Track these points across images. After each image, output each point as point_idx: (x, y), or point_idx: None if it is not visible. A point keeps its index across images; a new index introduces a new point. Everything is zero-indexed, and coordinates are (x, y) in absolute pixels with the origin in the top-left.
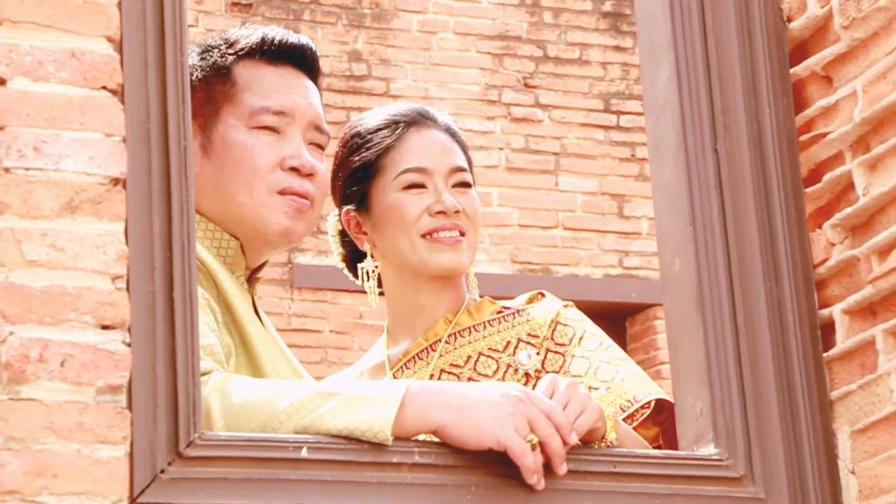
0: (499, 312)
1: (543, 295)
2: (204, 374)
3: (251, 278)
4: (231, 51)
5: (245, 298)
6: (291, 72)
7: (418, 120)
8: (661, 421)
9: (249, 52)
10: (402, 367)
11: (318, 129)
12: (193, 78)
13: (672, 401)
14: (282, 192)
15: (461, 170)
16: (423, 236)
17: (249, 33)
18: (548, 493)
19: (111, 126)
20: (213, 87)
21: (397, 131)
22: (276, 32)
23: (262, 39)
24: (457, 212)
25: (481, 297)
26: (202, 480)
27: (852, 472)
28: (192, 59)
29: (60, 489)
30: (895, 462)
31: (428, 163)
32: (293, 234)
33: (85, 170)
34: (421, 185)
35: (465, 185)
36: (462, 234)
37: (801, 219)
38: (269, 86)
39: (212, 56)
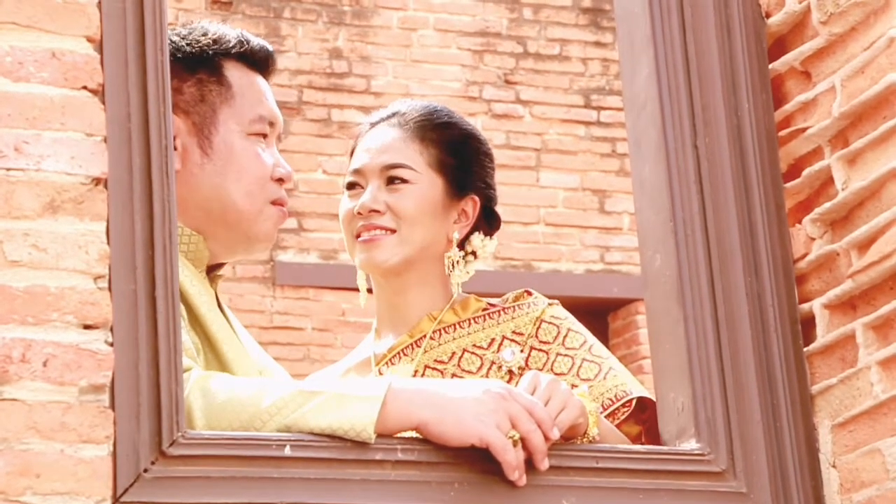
0: (484, 310)
1: (529, 293)
2: (184, 371)
3: (213, 275)
4: (218, 48)
5: (209, 295)
6: (263, 78)
7: (383, 117)
8: (643, 420)
9: (238, 55)
10: (386, 363)
11: (279, 137)
12: (181, 61)
13: (655, 400)
14: (274, 203)
15: (392, 167)
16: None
17: (228, 32)
18: (530, 489)
19: (92, 126)
20: (206, 86)
21: (360, 132)
22: (254, 39)
23: (249, 46)
24: (372, 211)
25: (467, 294)
26: (185, 479)
27: (833, 466)
28: (172, 38)
29: (44, 489)
30: (876, 455)
31: (361, 163)
32: (272, 241)
33: (66, 170)
34: (358, 186)
35: (398, 181)
36: (388, 232)
37: (780, 214)
38: (257, 93)
39: (196, 45)
